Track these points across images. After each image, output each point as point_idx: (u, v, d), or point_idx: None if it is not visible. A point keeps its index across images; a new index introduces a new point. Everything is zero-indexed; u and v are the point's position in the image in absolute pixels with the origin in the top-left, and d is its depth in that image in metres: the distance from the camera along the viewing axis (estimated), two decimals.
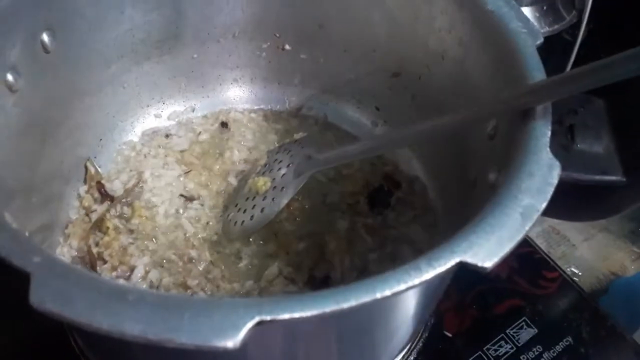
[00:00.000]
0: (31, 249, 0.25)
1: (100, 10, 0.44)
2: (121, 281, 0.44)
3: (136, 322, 0.22)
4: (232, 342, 0.22)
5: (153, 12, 0.48)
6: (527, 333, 0.51)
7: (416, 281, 0.25)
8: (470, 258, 0.25)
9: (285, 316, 0.23)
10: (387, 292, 0.24)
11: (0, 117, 0.36)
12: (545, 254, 0.58)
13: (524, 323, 0.52)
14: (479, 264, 0.25)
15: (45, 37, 0.40)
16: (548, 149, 0.31)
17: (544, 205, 0.28)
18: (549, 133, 0.32)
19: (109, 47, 0.47)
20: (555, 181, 0.29)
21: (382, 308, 0.31)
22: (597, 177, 0.33)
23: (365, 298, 0.24)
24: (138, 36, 0.49)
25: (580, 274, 0.69)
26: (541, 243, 0.69)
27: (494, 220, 0.27)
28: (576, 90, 0.31)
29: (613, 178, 0.33)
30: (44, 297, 0.23)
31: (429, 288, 0.34)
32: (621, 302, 0.62)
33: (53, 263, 0.25)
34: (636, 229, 0.74)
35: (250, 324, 0.22)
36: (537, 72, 0.35)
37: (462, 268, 0.26)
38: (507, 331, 0.51)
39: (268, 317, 0.23)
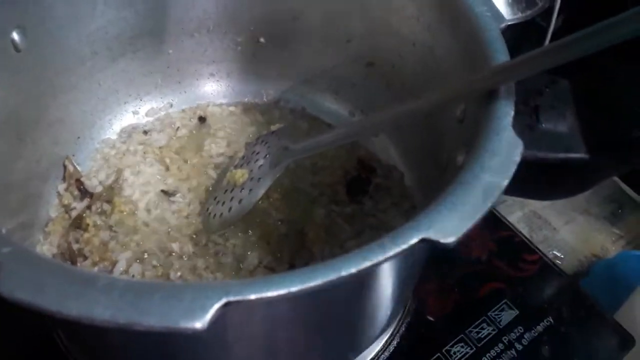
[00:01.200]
0: (1, 239, 0.26)
1: (71, 7, 0.44)
2: None
3: (105, 307, 0.23)
4: (200, 324, 0.22)
5: (126, 9, 0.48)
6: (509, 315, 0.52)
7: (380, 258, 0.25)
8: (432, 235, 0.26)
9: (252, 296, 0.23)
10: (353, 270, 0.25)
11: None
12: (525, 237, 0.59)
13: (505, 305, 0.53)
14: (442, 240, 0.26)
15: (15, 36, 0.40)
16: (511, 128, 0.31)
17: (506, 182, 0.29)
18: (512, 113, 0.32)
19: (82, 44, 0.47)
20: (517, 159, 0.30)
21: (353, 288, 0.32)
22: (562, 156, 0.34)
23: (331, 276, 0.24)
24: (112, 33, 0.49)
25: (562, 257, 0.70)
26: (523, 227, 0.70)
27: (456, 198, 0.28)
28: (537, 70, 0.32)
29: (577, 156, 0.34)
30: (13, 287, 0.23)
31: (400, 266, 0.35)
32: (602, 283, 0.63)
33: (23, 253, 0.25)
34: (616, 210, 0.75)
35: (217, 305, 0.23)
36: (500, 54, 0.35)
37: (431, 246, 0.27)
38: (489, 313, 0.52)
39: (235, 298, 0.23)
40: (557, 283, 0.57)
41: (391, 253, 0.25)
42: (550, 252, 0.70)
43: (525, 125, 0.35)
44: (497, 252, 0.57)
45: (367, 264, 0.25)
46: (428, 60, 0.45)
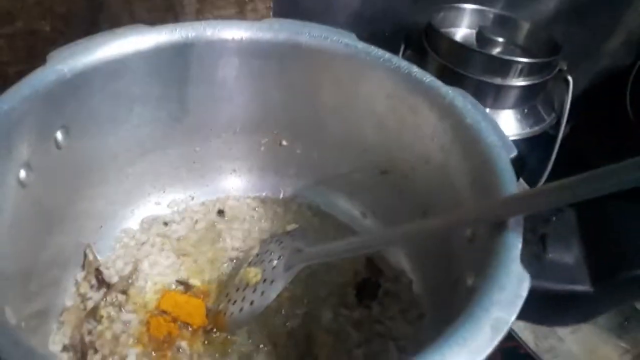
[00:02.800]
0: (29, 352, 0.27)
1: (112, 109, 0.48)
2: None
3: None
4: None
5: (160, 111, 0.52)
6: None
7: None
8: None
9: None
10: None
11: (10, 210, 0.38)
12: (530, 349, 0.59)
13: None
14: None
15: (58, 135, 0.43)
16: (519, 261, 0.33)
17: (513, 317, 0.30)
18: (519, 245, 0.34)
19: (118, 141, 0.50)
20: (524, 294, 0.31)
21: None
22: (567, 287, 0.35)
23: None
24: (145, 131, 0.52)
25: None
26: (528, 335, 0.70)
27: (466, 332, 0.29)
28: (545, 207, 0.34)
29: (581, 288, 0.35)
30: None
31: None
32: None
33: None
34: (623, 322, 0.74)
35: None
36: (510, 186, 0.38)
37: None
38: None
39: None
40: None
41: None
42: None
43: (533, 255, 0.36)
44: None
45: None
46: (440, 176, 0.47)
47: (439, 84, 0.47)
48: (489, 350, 0.28)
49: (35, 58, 0.43)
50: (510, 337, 0.60)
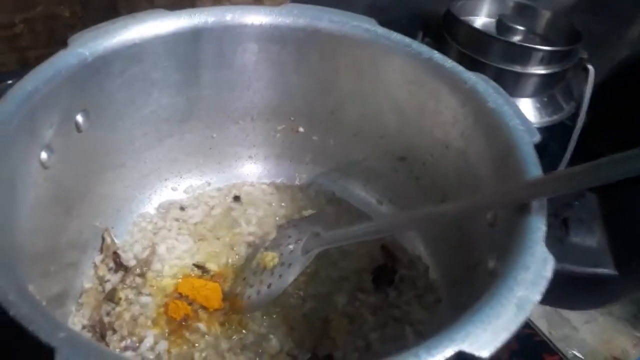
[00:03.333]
0: (57, 324, 0.27)
1: (130, 93, 0.48)
2: (129, 352, 0.45)
3: None
4: None
5: (178, 96, 0.52)
6: None
7: None
8: (467, 347, 0.27)
9: None
10: None
11: (32, 191, 0.39)
12: (546, 336, 0.59)
13: None
14: (476, 354, 0.27)
15: (79, 118, 0.43)
16: (543, 243, 0.33)
17: (538, 297, 0.30)
18: (544, 228, 0.34)
19: (135, 126, 0.50)
20: (549, 275, 0.31)
21: None
22: (590, 270, 0.35)
23: None
24: (162, 116, 0.52)
25: (582, 357, 0.68)
26: (542, 324, 0.70)
27: (491, 310, 0.29)
28: (569, 189, 0.34)
29: (605, 271, 0.35)
30: None
31: None
32: None
33: (76, 339, 0.27)
34: (637, 312, 0.74)
35: None
36: (533, 169, 0.37)
37: (464, 358, 0.27)
38: None
39: None
40: None
41: None
42: (570, 352, 0.69)
43: (555, 238, 0.36)
44: (518, 351, 0.57)
45: None
46: (460, 163, 0.47)
47: (460, 69, 0.47)
48: (513, 328, 0.28)
49: (54, 43, 0.44)
50: (526, 325, 0.59)
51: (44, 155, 0.40)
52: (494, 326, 0.28)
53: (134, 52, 0.46)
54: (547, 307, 0.73)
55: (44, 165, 0.40)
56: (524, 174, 0.37)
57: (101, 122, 0.46)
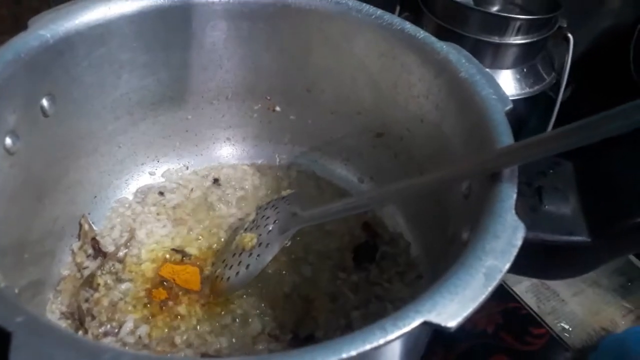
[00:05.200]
0: (16, 308, 0.26)
1: (98, 76, 0.47)
2: (109, 338, 0.45)
3: None
4: None
5: (149, 77, 0.51)
6: None
7: (381, 341, 0.26)
8: (434, 318, 0.27)
9: None
10: (353, 352, 0.25)
11: None
12: (532, 309, 0.59)
13: None
14: (443, 324, 0.27)
15: (44, 102, 0.42)
16: (513, 211, 0.32)
17: (507, 266, 0.29)
18: (514, 195, 0.33)
19: (106, 110, 0.49)
20: (519, 243, 0.30)
21: None
22: (564, 238, 0.34)
23: (332, 358, 0.25)
24: (134, 99, 0.51)
25: (570, 329, 0.68)
26: (531, 298, 0.69)
27: (459, 280, 0.28)
28: (540, 155, 0.33)
29: (579, 239, 0.34)
30: (22, 357, 0.24)
31: (404, 345, 0.35)
32: (611, 359, 0.61)
33: (35, 323, 0.26)
34: (626, 283, 0.74)
35: None
36: (504, 137, 0.37)
37: (433, 328, 0.27)
38: None
39: None
40: (564, 358, 0.56)
41: (393, 337, 0.26)
42: (559, 324, 0.69)
43: (528, 207, 0.35)
44: (503, 324, 0.57)
45: (367, 346, 0.25)
46: (435, 136, 0.46)
47: (432, 39, 0.46)
48: (481, 298, 0.28)
49: (20, 28, 0.42)
50: (512, 299, 0.59)
51: (8, 141, 0.39)
52: (461, 296, 0.28)
53: (99, 32, 0.45)
54: (535, 281, 0.73)
55: (8, 152, 0.39)
56: (496, 142, 0.36)
57: (69, 106, 0.45)
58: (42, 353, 0.24)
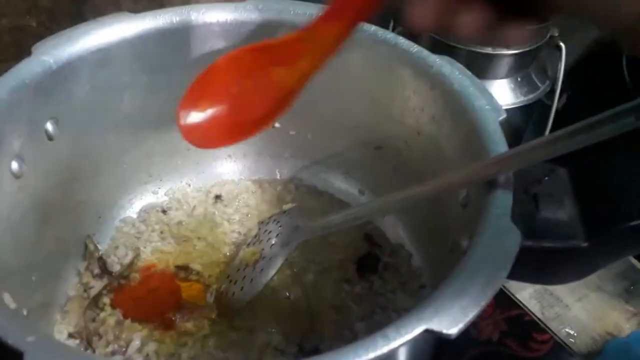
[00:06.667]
0: (26, 328, 0.27)
1: (101, 98, 0.48)
2: (117, 356, 0.45)
3: None
4: None
5: (151, 97, 0.52)
6: None
7: (384, 349, 0.26)
8: (435, 325, 0.27)
9: None
10: None
11: (4, 201, 0.39)
12: (536, 315, 0.59)
13: None
14: (444, 331, 0.27)
15: (49, 126, 0.43)
16: (509, 218, 0.33)
17: (505, 272, 0.30)
18: (510, 202, 0.34)
19: (109, 131, 0.50)
20: (516, 249, 0.31)
21: None
22: (561, 244, 0.35)
23: None
24: (137, 119, 0.52)
25: (575, 334, 0.68)
26: (534, 305, 0.70)
27: (458, 288, 0.29)
28: (533, 161, 0.34)
29: (576, 244, 0.35)
30: None
31: (410, 354, 0.35)
32: None
33: (46, 342, 0.27)
34: (629, 287, 0.74)
35: None
36: (498, 146, 0.38)
37: (435, 336, 0.28)
38: None
39: None
40: None
41: (395, 345, 0.26)
42: (563, 330, 0.69)
43: (525, 214, 0.36)
44: (508, 331, 0.57)
45: (370, 355, 0.26)
46: (432, 148, 0.47)
47: (425, 53, 0.47)
48: (481, 304, 0.28)
49: (23, 54, 0.44)
50: (516, 306, 0.60)
51: (14, 165, 0.40)
52: (461, 303, 0.28)
53: (100, 56, 0.46)
54: (539, 288, 0.73)
55: (15, 175, 0.40)
56: (490, 151, 0.37)
57: (73, 129, 0.46)
58: None
